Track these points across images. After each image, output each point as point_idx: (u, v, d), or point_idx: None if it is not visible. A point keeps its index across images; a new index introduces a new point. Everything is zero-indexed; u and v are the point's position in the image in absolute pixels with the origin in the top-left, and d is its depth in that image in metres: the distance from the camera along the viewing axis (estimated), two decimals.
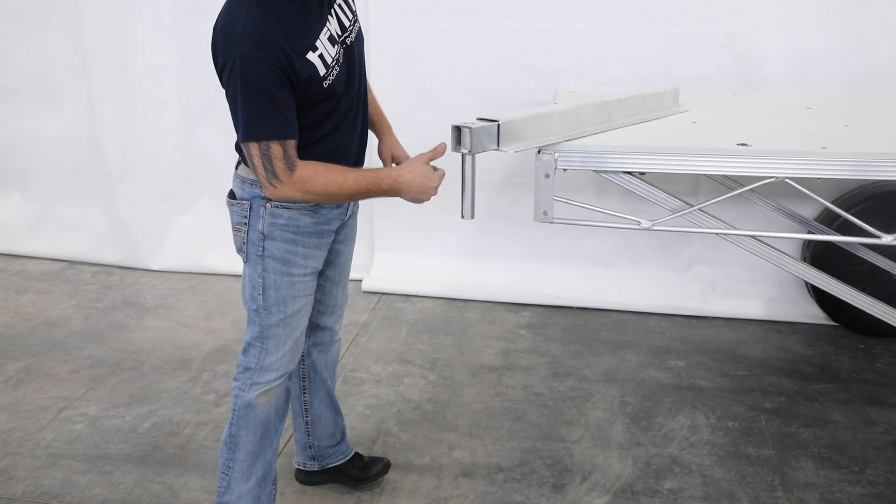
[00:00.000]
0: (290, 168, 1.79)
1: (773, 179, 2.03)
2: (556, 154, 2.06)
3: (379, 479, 2.47)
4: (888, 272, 3.06)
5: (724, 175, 2.46)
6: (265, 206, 1.92)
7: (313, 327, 2.24)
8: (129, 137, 4.10)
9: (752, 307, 3.67)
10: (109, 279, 4.15)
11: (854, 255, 3.05)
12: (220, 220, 2.92)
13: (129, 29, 3.93)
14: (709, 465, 2.57)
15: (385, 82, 3.63)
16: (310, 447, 2.42)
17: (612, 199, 3.49)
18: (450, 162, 2.01)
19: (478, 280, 3.89)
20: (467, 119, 1.95)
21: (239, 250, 2.00)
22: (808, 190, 2.09)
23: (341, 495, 2.44)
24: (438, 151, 2.01)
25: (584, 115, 2.21)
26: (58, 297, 3.91)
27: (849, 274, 3.19)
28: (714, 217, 2.14)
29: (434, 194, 1.98)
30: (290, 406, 2.26)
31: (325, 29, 1.83)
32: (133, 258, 4.25)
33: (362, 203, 2.25)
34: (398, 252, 4.00)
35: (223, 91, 1.80)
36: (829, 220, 3.25)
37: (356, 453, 2.49)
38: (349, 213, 2.10)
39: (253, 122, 1.75)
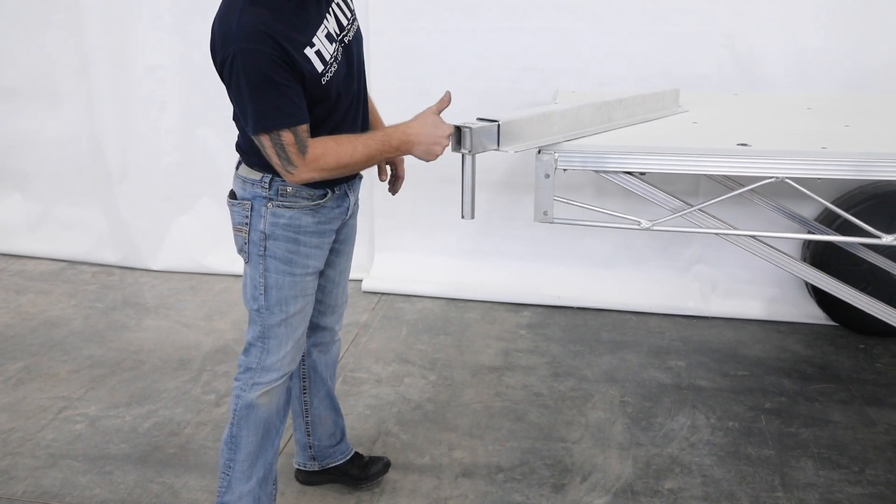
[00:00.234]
0: (303, 151, 1.78)
1: (772, 179, 2.04)
2: (556, 154, 2.06)
3: (379, 479, 2.48)
4: (888, 272, 3.06)
5: (724, 175, 2.46)
6: (266, 206, 1.92)
7: (313, 327, 2.24)
8: (129, 137, 4.10)
9: (751, 307, 3.67)
10: (109, 279, 4.15)
11: (854, 255, 3.05)
12: (221, 220, 2.93)
13: (129, 29, 3.93)
14: (709, 465, 2.57)
15: (385, 82, 3.65)
16: (310, 447, 2.42)
17: (612, 199, 3.49)
18: (450, 162, 2.01)
19: (478, 280, 3.89)
20: (467, 119, 1.95)
21: (240, 250, 2.00)
22: (808, 190, 2.09)
23: (341, 495, 2.44)
24: (444, 101, 1.93)
25: (585, 115, 2.21)
26: (58, 297, 3.91)
27: (849, 274, 3.20)
28: (714, 217, 2.14)
29: (446, 144, 1.88)
30: (290, 406, 2.26)
31: (323, 26, 1.83)
32: (133, 258, 4.25)
33: (362, 203, 2.25)
34: (398, 252, 4.00)
35: (224, 90, 1.80)
36: (829, 221, 3.25)
37: (356, 453, 2.49)
38: (349, 212, 2.10)
39: (262, 114, 1.74)
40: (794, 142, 2.19)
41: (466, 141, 1.90)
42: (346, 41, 1.91)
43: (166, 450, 2.67)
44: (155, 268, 4.23)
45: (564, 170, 2.08)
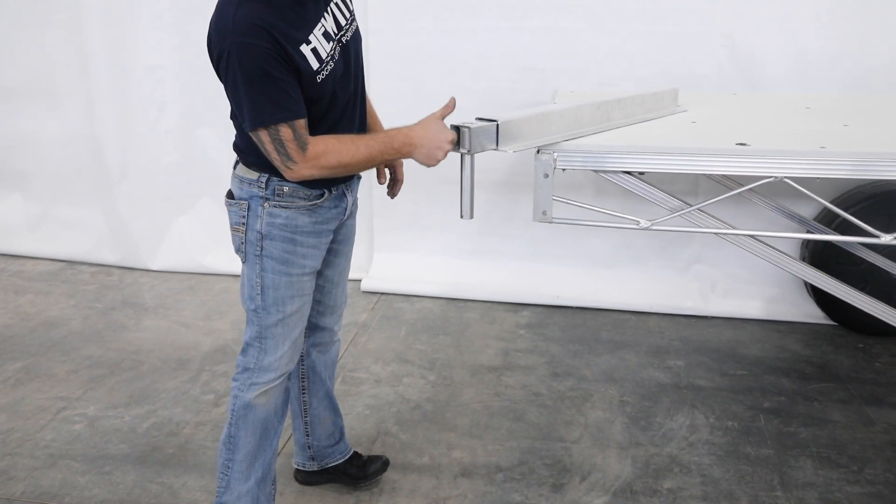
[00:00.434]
0: (303, 147, 1.78)
1: (772, 179, 2.04)
2: (556, 154, 2.06)
3: (377, 478, 2.48)
4: (887, 271, 3.06)
5: (723, 175, 2.46)
6: (263, 206, 1.92)
7: (312, 327, 2.24)
8: (129, 137, 4.10)
9: (751, 307, 3.67)
10: (109, 279, 4.15)
11: (853, 254, 3.05)
12: (220, 220, 2.91)
13: (129, 29, 3.93)
14: (708, 465, 2.57)
15: (385, 82, 3.65)
16: (309, 447, 2.42)
17: (611, 199, 3.49)
18: (449, 162, 2.01)
19: (477, 280, 3.89)
20: (466, 119, 1.95)
21: (237, 250, 2.00)
22: (807, 190, 2.09)
23: (340, 495, 2.44)
24: (449, 107, 1.93)
25: (584, 115, 2.21)
26: (57, 298, 3.91)
27: (848, 273, 3.20)
28: (713, 217, 2.14)
29: (448, 150, 1.88)
30: (289, 406, 2.26)
31: (320, 25, 1.83)
32: (132, 258, 4.26)
33: (361, 203, 2.24)
34: (397, 252, 4.00)
35: (222, 89, 1.80)
36: (828, 220, 3.25)
37: (355, 452, 2.49)
38: (347, 213, 2.09)
39: (258, 109, 1.74)
40: (793, 142, 2.19)
41: (465, 141, 1.89)
42: (343, 41, 1.91)
43: (165, 450, 2.67)
44: (154, 268, 4.24)
45: (563, 169, 2.08)
